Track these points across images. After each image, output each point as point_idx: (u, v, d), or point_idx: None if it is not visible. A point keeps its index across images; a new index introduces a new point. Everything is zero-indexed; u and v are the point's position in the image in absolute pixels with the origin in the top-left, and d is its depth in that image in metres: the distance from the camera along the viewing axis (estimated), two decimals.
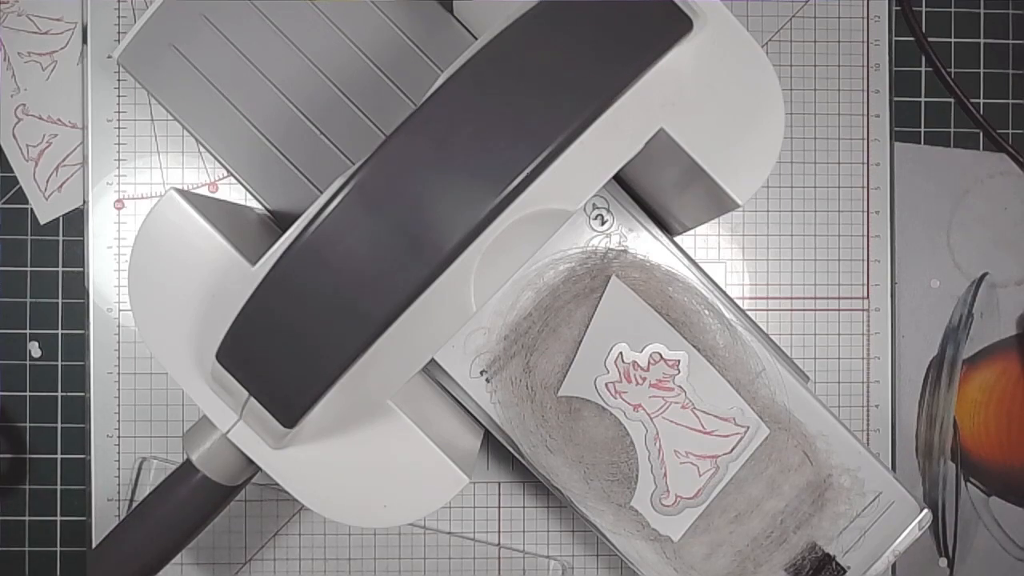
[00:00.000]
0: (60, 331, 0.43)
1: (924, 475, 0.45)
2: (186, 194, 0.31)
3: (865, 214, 0.43)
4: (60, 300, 0.43)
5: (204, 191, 0.42)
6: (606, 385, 0.37)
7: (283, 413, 0.28)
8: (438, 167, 0.26)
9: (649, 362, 0.37)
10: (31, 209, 0.43)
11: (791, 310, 0.43)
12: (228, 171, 0.41)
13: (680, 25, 0.28)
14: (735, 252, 0.43)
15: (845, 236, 0.43)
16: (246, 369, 0.28)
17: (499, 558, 0.44)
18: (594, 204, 0.38)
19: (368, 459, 0.31)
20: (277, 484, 0.31)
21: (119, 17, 0.42)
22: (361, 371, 0.27)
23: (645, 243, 0.38)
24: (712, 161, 0.30)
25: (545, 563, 0.44)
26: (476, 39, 0.39)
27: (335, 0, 0.40)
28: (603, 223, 0.38)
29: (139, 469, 0.42)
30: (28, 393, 0.43)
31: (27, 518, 0.43)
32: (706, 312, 0.37)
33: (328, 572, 0.43)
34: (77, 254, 0.43)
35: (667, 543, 0.38)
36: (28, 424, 0.43)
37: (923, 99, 0.44)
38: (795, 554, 0.38)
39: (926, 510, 0.37)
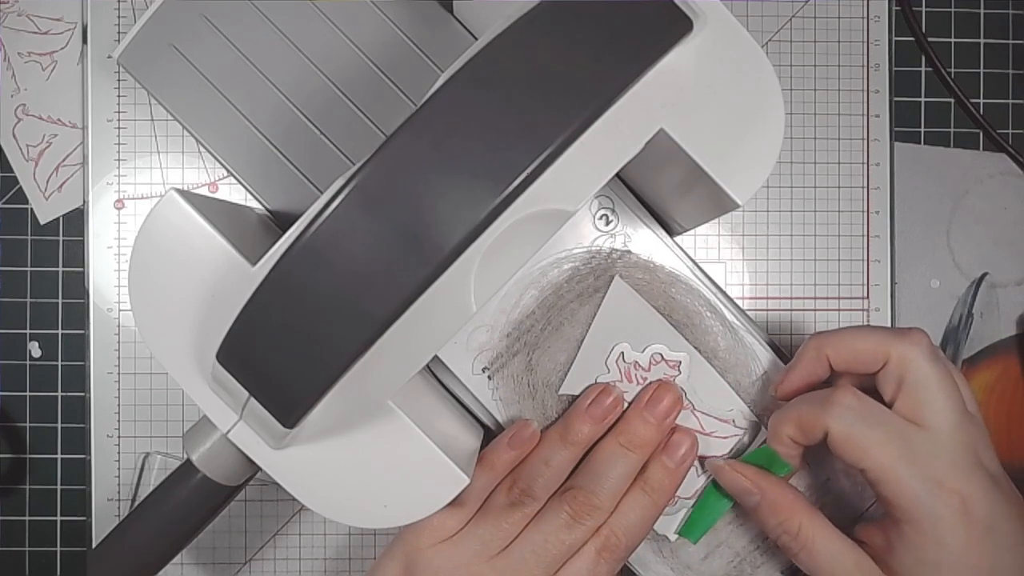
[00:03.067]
0: (60, 331, 0.43)
1: None
2: (186, 194, 0.31)
3: (865, 214, 0.43)
4: (60, 300, 0.43)
5: (204, 191, 0.42)
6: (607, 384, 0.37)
7: (283, 413, 0.28)
8: (438, 167, 0.26)
9: (650, 362, 0.37)
10: (31, 209, 0.43)
11: (791, 310, 0.43)
12: (228, 171, 0.41)
13: (680, 25, 0.28)
14: (735, 252, 0.43)
15: (845, 236, 0.43)
16: (246, 369, 0.28)
17: None
18: (599, 204, 0.38)
19: (368, 459, 0.31)
20: (277, 484, 0.31)
21: (119, 17, 0.42)
22: (361, 371, 0.27)
23: (649, 244, 0.38)
24: (712, 161, 0.30)
25: None
26: (476, 39, 0.39)
27: (335, 0, 0.40)
28: (608, 223, 0.38)
29: (142, 464, 0.42)
30: (28, 393, 0.43)
31: (27, 518, 0.43)
32: (708, 314, 0.37)
33: (328, 572, 0.43)
34: (77, 254, 0.43)
35: (664, 542, 0.38)
36: (28, 424, 0.43)
37: (923, 99, 0.44)
38: None
39: None
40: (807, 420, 0.33)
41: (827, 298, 0.43)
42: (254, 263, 0.30)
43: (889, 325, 0.43)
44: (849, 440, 0.32)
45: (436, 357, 0.37)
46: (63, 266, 0.43)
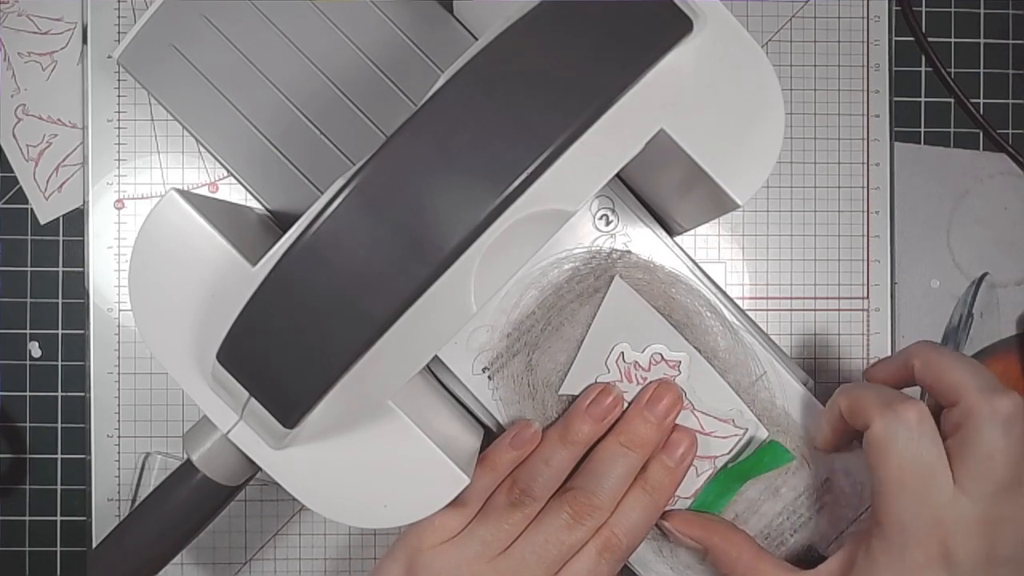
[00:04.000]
0: (60, 331, 0.43)
1: None
2: (186, 194, 0.31)
3: (865, 214, 0.43)
4: (60, 300, 0.43)
5: (204, 191, 0.42)
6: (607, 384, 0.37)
7: (284, 413, 0.28)
8: (439, 167, 0.26)
9: (650, 363, 0.37)
10: (31, 209, 0.43)
11: (791, 310, 0.43)
12: (228, 171, 0.41)
13: (680, 25, 0.28)
14: (735, 252, 0.43)
15: (845, 236, 0.43)
16: (247, 369, 0.28)
17: None
18: (599, 204, 0.38)
19: (368, 459, 0.31)
20: (277, 484, 0.31)
21: (119, 17, 0.42)
22: (362, 371, 0.27)
23: (649, 244, 0.38)
24: (712, 161, 0.30)
25: None
26: (476, 39, 0.39)
27: (335, 0, 0.40)
28: (608, 223, 0.38)
29: (143, 465, 0.42)
30: (28, 393, 0.43)
31: (27, 518, 0.43)
32: (708, 314, 0.37)
33: (328, 572, 0.43)
34: (77, 254, 0.43)
35: (664, 542, 0.38)
36: (28, 424, 0.43)
37: (923, 99, 0.44)
38: (792, 556, 0.38)
39: None
40: (861, 405, 0.33)
41: (827, 298, 0.43)
42: (254, 263, 0.30)
43: (889, 325, 0.43)
44: (879, 446, 0.32)
45: (436, 357, 0.37)
46: (63, 266, 0.43)
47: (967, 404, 0.31)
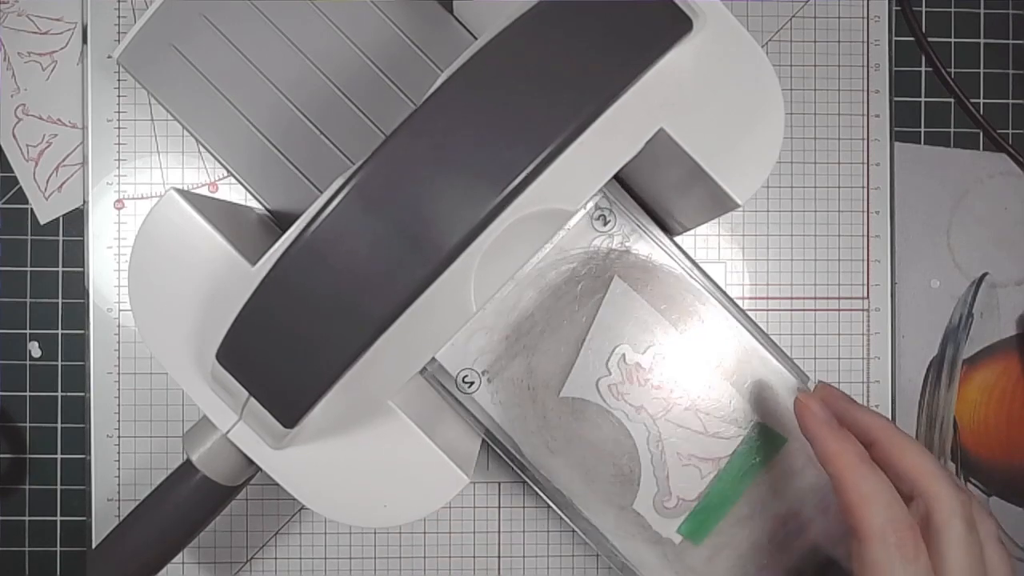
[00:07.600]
0: (60, 331, 0.43)
1: None
2: (186, 194, 0.31)
3: (865, 214, 0.43)
4: (60, 300, 0.43)
5: (204, 191, 0.42)
6: (608, 387, 0.37)
7: (283, 413, 0.28)
8: (438, 167, 0.26)
9: (652, 364, 0.37)
10: (31, 209, 0.43)
11: (791, 310, 0.43)
12: (228, 171, 0.41)
13: (680, 25, 0.28)
14: (735, 252, 0.43)
15: (845, 236, 0.43)
16: (246, 369, 0.28)
17: (499, 557, 0.44)
18: (597, 204, 0.38)
19: (368, 459, 0.31)
20: (277, 484, 0.31)
21: (119, 17, 0.42)
22: (361, 371, 0.27)
23: (647, 244, 0.38)
24: (712, 161, 0.30)
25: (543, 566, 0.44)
26: (476, 39, 0.39)
27: (335, 0, 0.40)
28: (606, 223, 0.38)
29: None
30: (28, 393, 0.43)
31: (27, 518, 0.43)
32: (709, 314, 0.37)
33: (328, 572, 0.43)
34: (77, 254, 0.43)
35: (668, 545, 0.38)
36: (28, 424, 0.43)
37: (923, 99, 0.44)
38: (797, 558, 0.38)
39: None
40: (855, 505, 0.32)
41: (827, 298, 0.43)
42: (254, 263, 0.30)
43: (889, 325, 0.43)
44: (873, 569, 0.32)
45: (434, 360, 0.37)
46: (63, 266, 0.43)
47: (934, 497, 0.32)
